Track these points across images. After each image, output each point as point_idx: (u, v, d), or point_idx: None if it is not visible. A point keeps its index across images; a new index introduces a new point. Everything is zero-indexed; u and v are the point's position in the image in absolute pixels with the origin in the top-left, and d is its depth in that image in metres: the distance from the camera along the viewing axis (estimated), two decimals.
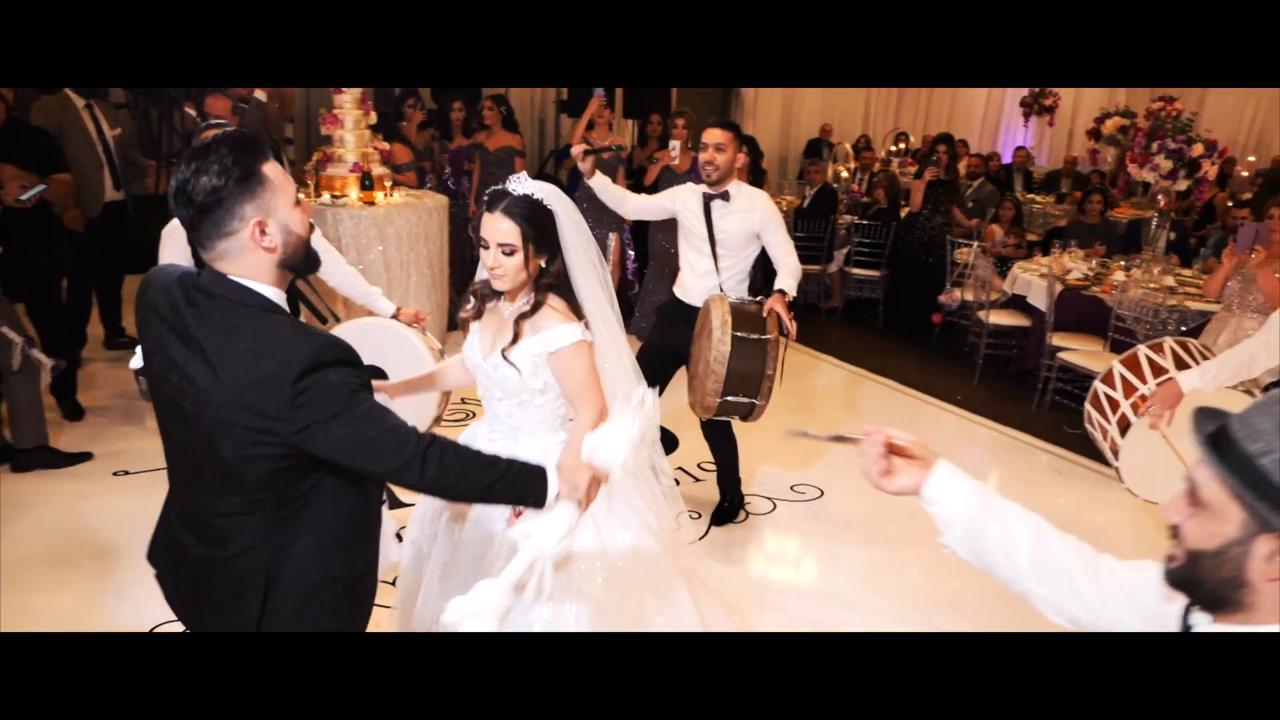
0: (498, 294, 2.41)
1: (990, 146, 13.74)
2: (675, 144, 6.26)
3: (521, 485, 1.79)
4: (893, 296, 7.70)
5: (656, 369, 3.70)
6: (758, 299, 3.89)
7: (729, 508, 4.22)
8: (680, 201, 4.02)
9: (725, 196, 3.90)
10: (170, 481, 1.84)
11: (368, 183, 5.92)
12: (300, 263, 1.69)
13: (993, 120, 14.60)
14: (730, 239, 3.93)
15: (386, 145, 6.35)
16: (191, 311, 1.62)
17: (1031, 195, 10.15)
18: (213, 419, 1.57)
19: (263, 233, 1.59)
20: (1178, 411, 3.09)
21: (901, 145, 12.25)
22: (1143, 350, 3.46)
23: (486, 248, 2.27)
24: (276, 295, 1.68)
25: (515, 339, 2.33)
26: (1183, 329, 5.44)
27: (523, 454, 2.49)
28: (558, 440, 2.49)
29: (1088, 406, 3.59)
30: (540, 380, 2.40)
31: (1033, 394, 6.06)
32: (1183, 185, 6.08)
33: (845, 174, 9.04)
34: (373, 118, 6.25)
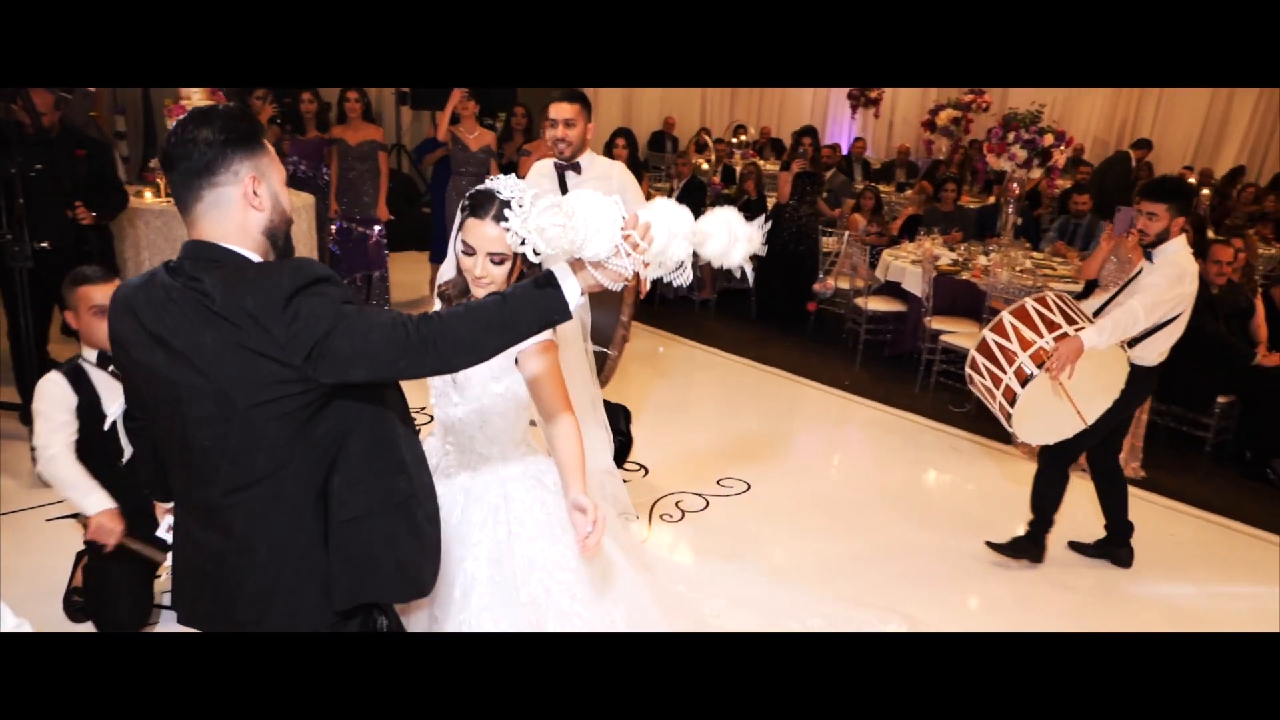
0: (466, 296, 2.28)
1: (820, 138, 14.29)
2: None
3: (535, 307, 1.62)
4: (764, 286, 7.81)
5: None
6: None
7: (622, 439, 4.13)
8: (533, 181, 3.90)
9: (576, 168, 3.83)
10: (184, 490, 1.71)
11: None
12: (283, 241, 1.68)
13: (820, 112, 15.19)
14: None
15: None
16: (172, 283, 1.58)
17: (872, 184, 10.58)
18: (222, 378, 1.53)
19: (255, 193, 1.58)
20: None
21: (742, 137, 12.53)
22: (1030, 304, 3.61)
23: (471, 254, 2.14)
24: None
25: None
26: None
27: (480, 466, 2.36)
28: (518, 454, 2.40)
29: (975, 354, 3.67)
30: (503, 384, 2.29)
31: (912, 376, 6.30)
32: (1037, 174, 6.46)
33: (705, 166, 9.12)
34: None
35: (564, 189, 3.82)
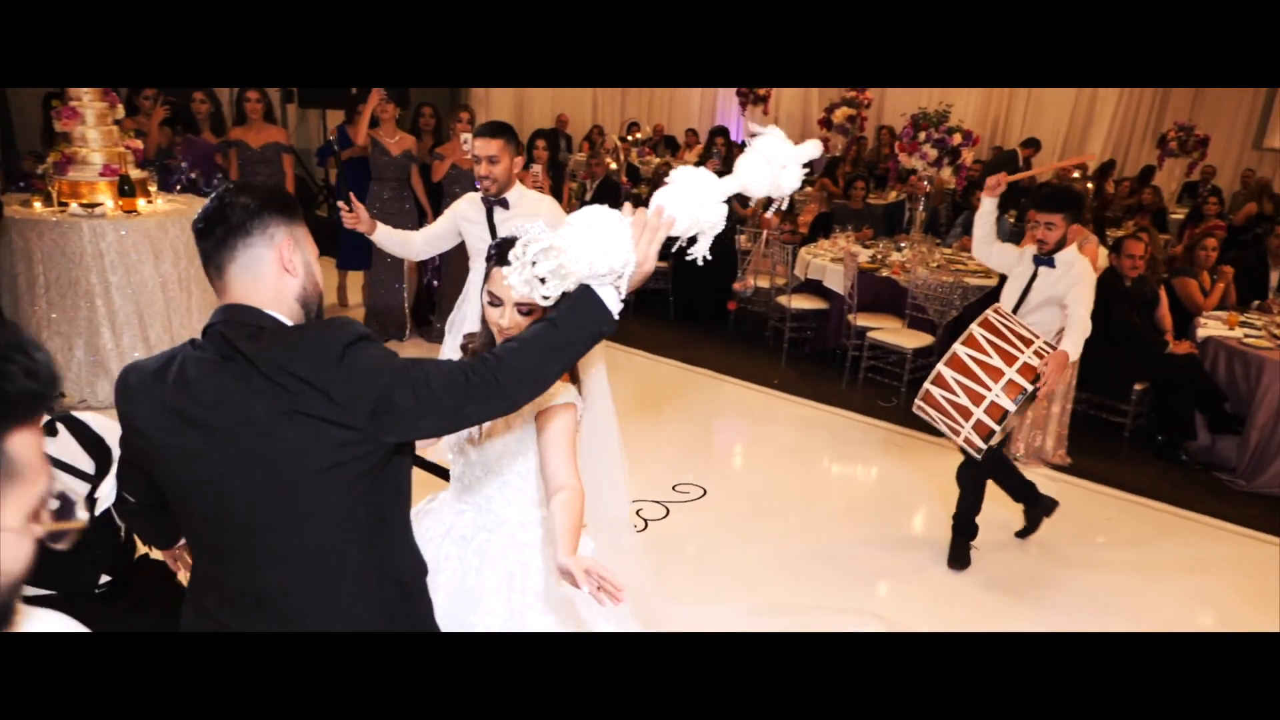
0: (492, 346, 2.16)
1: (708, 134, 14.47)
2: (467, 137, 5.97)
3: (582, 324, 1.55)
4: (682, 286, 7.81)
5: None
6: None
7: None
8: (460, 216, 3.77)
9: (504, 204, 3.66)
10: (221, 578, 1.58)
11: (128, 188, 5.05)
12: (315, 312, 1.63)
13: (709, 110, 15.38)
14: None
15: (140, 144, 5.46)
16: (204, 356, 1.51)
17: None
18: (279, 448, 1.45)
19: (289, 257, 1.55)
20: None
21: (636, 135, 12.52)
22: (994, 317, 3.66)
23: (498, 305, 2.02)
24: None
25: None
26: (967, 302, 5.96)
27: (498, 529, 2.25)
28: (539, 516, 2.28)
29: (945, 369, 3.60)
30: (525, 445, 2.19)
31: (836, 372, 6.41)
32: (947, 172, 6.67)
33: (614, 166, 9.05)
34: (120, 111, 5.36)
35: (491, 225, 3.67)
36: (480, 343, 2.16)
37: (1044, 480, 4.97)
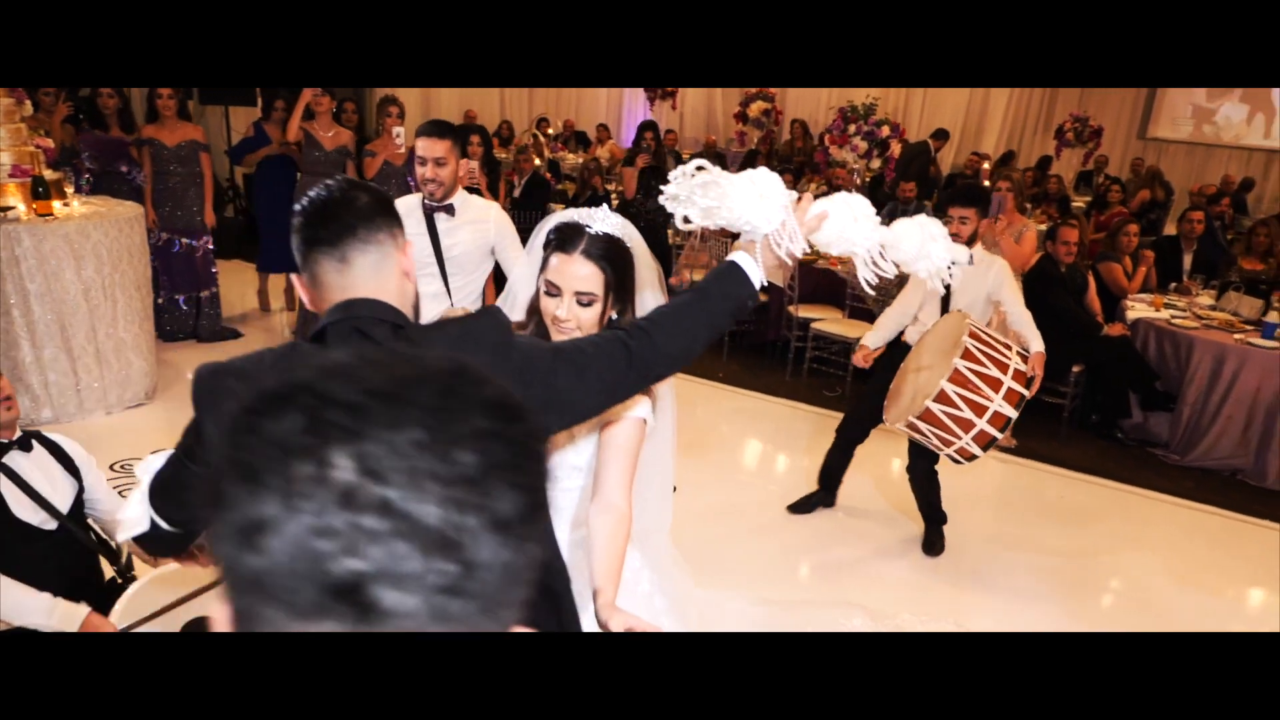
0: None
1: (616, 129, 14.49)
2: (399, 131, 5.81)
3: (728, 294, 1.59)
4: None
5: None
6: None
7: None
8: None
9: (449, 210, 3.45)
10: None
11: (43, 190, 4.70)
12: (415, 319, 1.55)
13: (615, 105, 15.38)
14: (462, 255, 3.50)
15: (51, 143, 5.10)
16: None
17: None
18: None
19: (409, 264, 1.48)
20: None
21: (549, 131, 12.40)
22: (971, 324, 3.62)
23: (556, 295, 1.87)
24: None
25: None
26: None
27: None
28: (575, 538, 2.12)
29: (948, 385, 3.46)
30: (584, 456, 2.05)
31: (777, 364, 6.46)
32: (876, 163, 6.80)
33: (539, 162, 8.92)
34: (28, 108, 4.99)
35: (433, 233, 3.45)
36: (530, 333, 2.02)
37: (993, 462, 5.12)
